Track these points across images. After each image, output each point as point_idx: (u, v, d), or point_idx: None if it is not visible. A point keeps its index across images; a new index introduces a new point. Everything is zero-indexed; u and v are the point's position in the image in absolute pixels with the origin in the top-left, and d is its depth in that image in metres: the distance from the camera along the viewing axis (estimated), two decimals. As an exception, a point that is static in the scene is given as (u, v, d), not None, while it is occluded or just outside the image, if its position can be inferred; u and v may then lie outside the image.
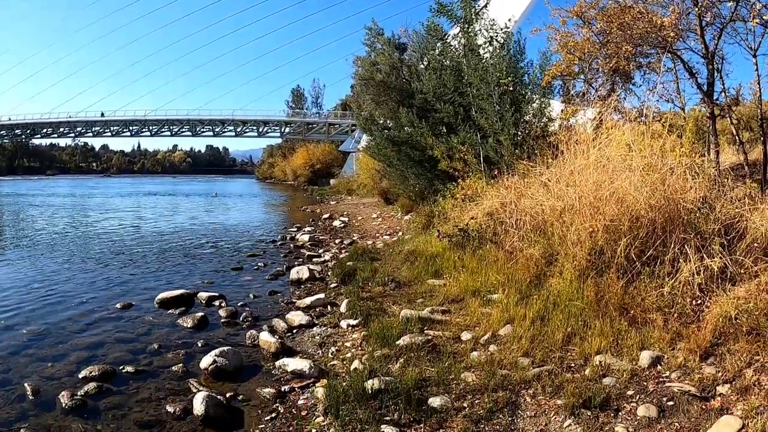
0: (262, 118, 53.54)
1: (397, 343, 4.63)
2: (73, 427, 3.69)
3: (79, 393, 4.15)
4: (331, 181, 43.43)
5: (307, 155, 54.87)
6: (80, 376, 4.51)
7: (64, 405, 3.97)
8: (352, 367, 4.27)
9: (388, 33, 15.17)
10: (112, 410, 3.98)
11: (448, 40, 12.20)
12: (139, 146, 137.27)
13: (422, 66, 13.64)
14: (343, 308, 6.14)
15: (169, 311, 6.55)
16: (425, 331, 4.93)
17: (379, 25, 14.99)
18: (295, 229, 15.30)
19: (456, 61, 11.58)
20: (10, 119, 59.14)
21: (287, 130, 54.74)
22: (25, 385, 4.29)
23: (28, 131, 62.92)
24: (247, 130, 54.46)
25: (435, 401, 3.55)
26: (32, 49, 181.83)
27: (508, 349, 4.30)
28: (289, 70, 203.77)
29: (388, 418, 3.40)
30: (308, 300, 6.58)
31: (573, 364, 3.94)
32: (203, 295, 7.12)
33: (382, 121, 14.61)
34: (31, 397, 4.13)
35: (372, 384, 3.70)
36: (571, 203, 5.40)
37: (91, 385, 4.30)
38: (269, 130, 55.26)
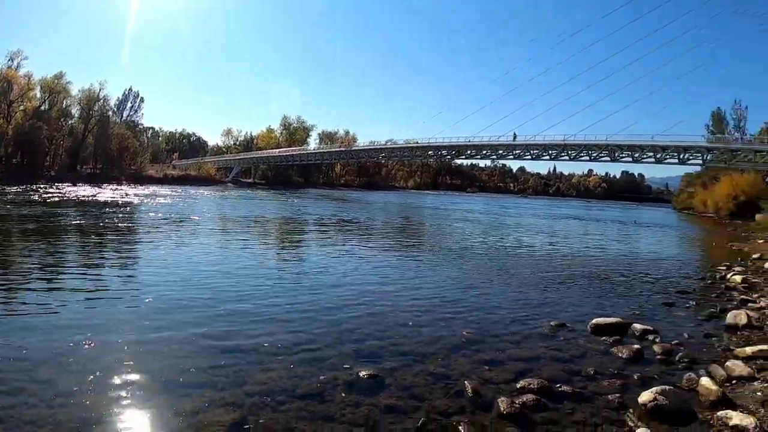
0: (683, 143, 47.43)
1: None
2: (508, 432, 3.73)
3: (517, 402, 4.24)
4: (757, 216, 39.36)
5: (731, 185, 49.45)
6: (517, 385, 4.64)
7: (501, 410, 4.11)
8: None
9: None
10: (547, 425, 3.97)
11: None
12: (554, 169, 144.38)
13: None
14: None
15: (602, 338, 6.45)
16: None
17: None
18: (724, 268, 13.36)
19: None
20: (437, 141, 66.84)
21: (709, 157, 47.26)
22: (465, 383, 4.63)
23: (453, 152, 69.62)
24: (667, 156, 48.99)
25: None
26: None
27: None
28: (709, 89, 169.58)
29: None
30: (748, 350, 5.90)
31: None
32: (637, 326, 6.81)
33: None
34: (469, 395, 4.44)
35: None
36: None
37: (529, 397, 4.37)
38: (690, 157, 48.47)
